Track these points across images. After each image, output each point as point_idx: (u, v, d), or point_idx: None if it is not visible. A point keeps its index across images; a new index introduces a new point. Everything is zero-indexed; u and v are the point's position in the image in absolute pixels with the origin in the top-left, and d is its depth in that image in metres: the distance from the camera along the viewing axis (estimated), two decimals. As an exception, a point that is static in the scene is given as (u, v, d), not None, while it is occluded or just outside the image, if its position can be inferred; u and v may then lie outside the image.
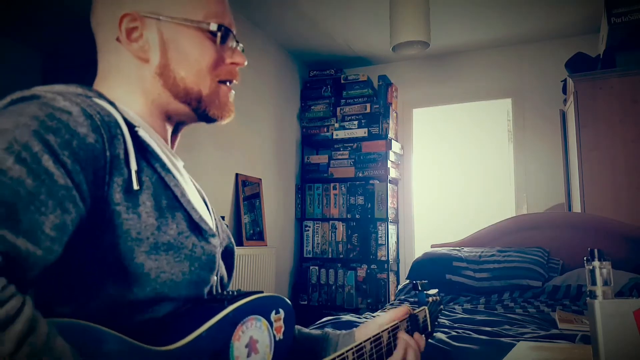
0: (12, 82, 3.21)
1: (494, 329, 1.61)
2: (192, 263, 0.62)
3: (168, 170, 0.64)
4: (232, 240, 0.81)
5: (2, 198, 0.44)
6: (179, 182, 0.65)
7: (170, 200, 0.62)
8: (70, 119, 0.54)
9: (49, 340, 0.42)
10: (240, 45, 0.78)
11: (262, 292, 0.66)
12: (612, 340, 0.68)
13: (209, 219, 0.72)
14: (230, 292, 0.63)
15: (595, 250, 0.72)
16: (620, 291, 1.97)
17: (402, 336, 0.83)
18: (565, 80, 3.19)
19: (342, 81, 3.85)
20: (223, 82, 0.75)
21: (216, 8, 0.74)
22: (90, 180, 0.53)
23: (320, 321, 1.69)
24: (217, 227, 0.76)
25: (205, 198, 0.80)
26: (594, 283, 0.71)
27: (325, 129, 3.84)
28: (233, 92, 0.77)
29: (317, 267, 3.73)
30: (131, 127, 0.62)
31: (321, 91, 3.90)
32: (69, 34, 3.11)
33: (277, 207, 3.66)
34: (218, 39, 0.73)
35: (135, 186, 0.57)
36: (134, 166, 0.58)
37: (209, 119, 0.75)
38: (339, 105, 3.84)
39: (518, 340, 1.36)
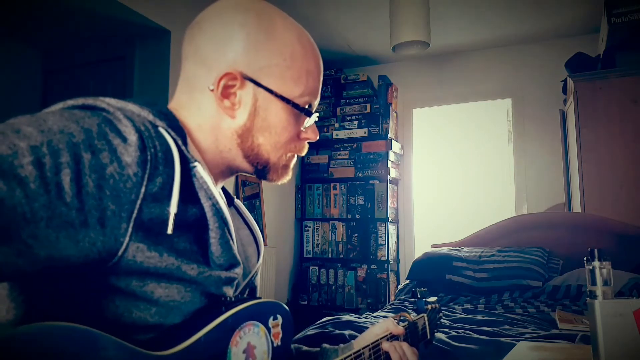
0: (12, 82, 3.21)
1: (494, 329, 1.61)
2: (204, 293, 0.61)
3: (218, 210, 0.62)
4: (258, 290, 0.82)
5: None
6: (228, 221, 0.64)
7: (191, 242, 0.60)
8: (119, 145, 0.53)
9: None
10: (317, 115, 0.77)
11: (260, 298, 0.66)
12: (612, 340, 0.68)
13: (237, 256, 0.70)
14: (229, 298, 0.63)
15: (595, 250, 0.72)
16: (620, 291, 1.97)
17: (394, 344, 0.85)
18: (565, 80, 3.19)
19: (342, 81, 3.85)
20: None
21: (313, 85, 0.74)
22: (112, 210, 0.51)
23: (320, 321, 1.69)
24: (256, 263, 0.76)
25: (255, 233, 0.81)
26: (594, 283, 0.71)
27: (325, 129, 3.84)
28: (295, 159, 0.78)
29: (317, 267, 3.73)
30: (188, 162, 0.61)
31: (321, 91, 3.90)
32: (69, 34, 3.11)
33: (277, 207, 3.66)
34: (304, 122, 0.74)
35: (170, 230, 0.56)
36: (173, 209, 0.56)
37: (265, 179, 0.76)
38: (339, 105, 3.85)
39: (518, 340, 1.36)
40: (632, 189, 2.65)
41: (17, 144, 0.47)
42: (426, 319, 1.03)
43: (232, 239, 0.65)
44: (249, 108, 0.69)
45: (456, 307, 2.12)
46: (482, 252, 2.50)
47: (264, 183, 3.45)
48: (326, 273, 3.70)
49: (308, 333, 1.52)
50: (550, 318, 1.81)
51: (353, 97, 3.81)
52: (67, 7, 2.71)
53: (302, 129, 0.75)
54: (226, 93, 0.68)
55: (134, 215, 0.53)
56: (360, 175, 3.72)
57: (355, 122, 3.76)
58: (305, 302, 3.71)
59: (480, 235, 2.80)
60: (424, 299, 1.06)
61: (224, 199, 0.76)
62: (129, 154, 0.53)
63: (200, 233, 0.61)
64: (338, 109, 3.84)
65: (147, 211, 0.54)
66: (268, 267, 3.27)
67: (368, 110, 3.74)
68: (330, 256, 3.75)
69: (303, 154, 0.77)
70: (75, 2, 2.61)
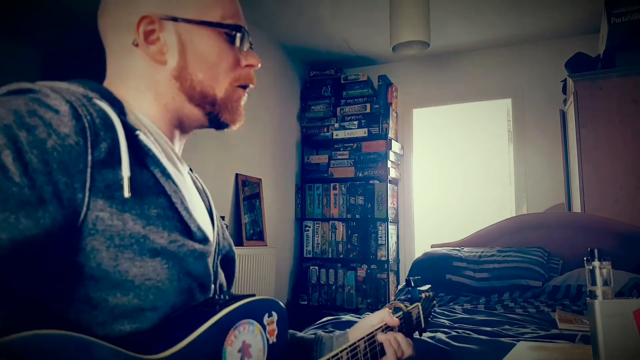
0: (12, 82, 3.21)
1: (494, 329, 1.61)
2: (182, 271, 0.60)
3: (168, 177, 0.62)
4: (233, 247, 0.80)
5: None
6: (178, 188, 0.63)
7: (164, 208, 0.60)
8: (53, 118, 0.52)
9: None
10: (249, 38, 0.75)
11: (254, 295, 0.65)
12: (612, 340, 0.68)
13: (208, 225, 0.70)
14: (222, 297, 0.63)
15: (595, 250, 0.72)
16: (620, 291, 1.97)
17: (389, 336, 0.84)
18: (565, 80, 3.19)
19: (342, 81, 3.85)
20: (241, 86, 0.74)
21: (231, 8, 0.73)
22: (64, 182, 0.51)
23: (320, 321, 1.69)
24: (219, 233, 0.74)
25: (210, 203, 0.79)
26: (594, 283, 0.71)
27: (325, 129, 3.84)
28: (246, 96, 0.76)
29: (317, 267, 3.73)
30: (131, 131, 0.60)
31: (321, 91, 3.90)
32: (69, 34, 3.11)
33: (277, 207, 3.66)
34: (237, 41, 0.72)
35: (127, 194, 0.55)
36: (126, 173, 0.56)
37: (220, 125, 0.74)
38: (339, 105, 3.84)
39: (518, 340, 1.36)
40: (632, 189, 2.65)
41: None
42: (420, 308, 1.03)
43: (188, 208, 0.64)
44: (177, 46, 0.69)
45: (456, 307, 2.12)
46: (482, 252, 2.50)
47: (263, 182, 3.45)
48: (326, 273, 3.70)
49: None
50: (550, 318, 1.81)
51: (353, 97, 3.81)
52: (67, 7, 2.72)
53: (242, 54, 0.73)
54: (150, 40, 0.68)
55: (88, 184, 0.53)
56: (360, 175, 3.72)
57: (355, 122, 3.76)
58: (305, 302, 3.71)
59: (480, 235, 2.80)
60: (417, 288, 1.07)
61: (182, 165, 0.74)
62: (65, 125, 0.53)
63: (162, 202, 0.61)
64: (338, 109, 3.84)
65: (100, 178, 0.54)
66: (268, 267, 3.27)
67: (368, 110, 3.74)
68: (330, 256, 3.75)
69: (253, 83, 0.76)
70: (75, 2, 2.61)
